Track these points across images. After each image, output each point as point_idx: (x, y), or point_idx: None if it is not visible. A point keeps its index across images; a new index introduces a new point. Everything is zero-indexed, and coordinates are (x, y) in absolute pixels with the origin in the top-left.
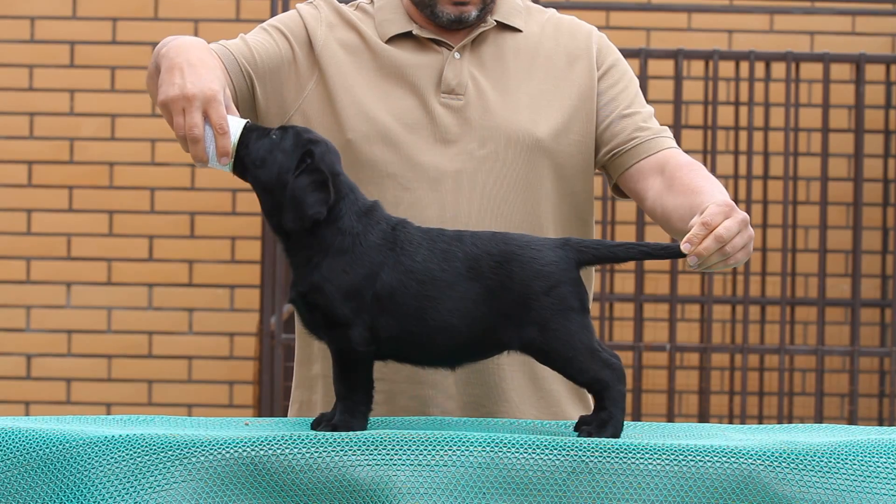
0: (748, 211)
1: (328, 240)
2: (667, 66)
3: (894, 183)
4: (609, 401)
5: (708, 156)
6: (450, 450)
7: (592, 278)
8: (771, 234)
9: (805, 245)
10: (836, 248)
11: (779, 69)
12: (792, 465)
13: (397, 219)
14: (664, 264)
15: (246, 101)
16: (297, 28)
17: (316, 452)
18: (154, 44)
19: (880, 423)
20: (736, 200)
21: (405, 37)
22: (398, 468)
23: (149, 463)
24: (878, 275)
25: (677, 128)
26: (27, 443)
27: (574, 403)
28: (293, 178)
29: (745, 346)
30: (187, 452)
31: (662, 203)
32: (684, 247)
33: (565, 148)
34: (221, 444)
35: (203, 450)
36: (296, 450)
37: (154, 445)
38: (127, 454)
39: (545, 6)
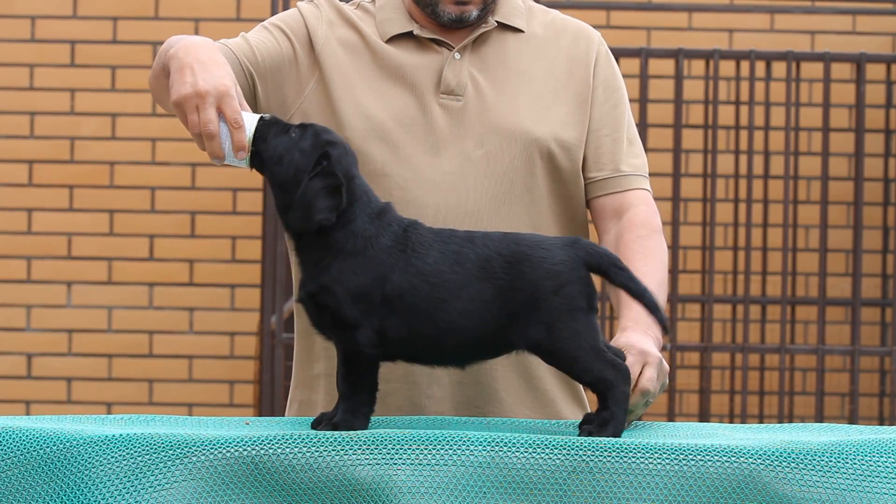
0: (749, 211)
1: (340, 241)
2: (667, 66)
3: (895, 182)
4: (612, 400)
5: (709, 155)
6: (450, 449)
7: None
8: (771, 234)
9: (806, 244)
10: (836, 248)
11: (779, 68)
12: (792, 464)
13: (409, 220)
14: None
15: (248, 100)
16: (298, 27)
17: (317, 452)
18: (155, 43)
19: (881, 423)
20: (736, 199)
21: (406, 37)
22: (399, 467)
23: (149, 462)
24: (879, 274)
25: (678, 127)
26: (27, 442)
27: (568, 403)
28: (307, 179)
29: (745, 346)
30: (188, 452)
31: None
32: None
33: (562, 151)
34: (222, 444)
35: (203, 449)
36: (296, 449)
37: (154, 445)
38: (127, 453)
39: (548, 6)
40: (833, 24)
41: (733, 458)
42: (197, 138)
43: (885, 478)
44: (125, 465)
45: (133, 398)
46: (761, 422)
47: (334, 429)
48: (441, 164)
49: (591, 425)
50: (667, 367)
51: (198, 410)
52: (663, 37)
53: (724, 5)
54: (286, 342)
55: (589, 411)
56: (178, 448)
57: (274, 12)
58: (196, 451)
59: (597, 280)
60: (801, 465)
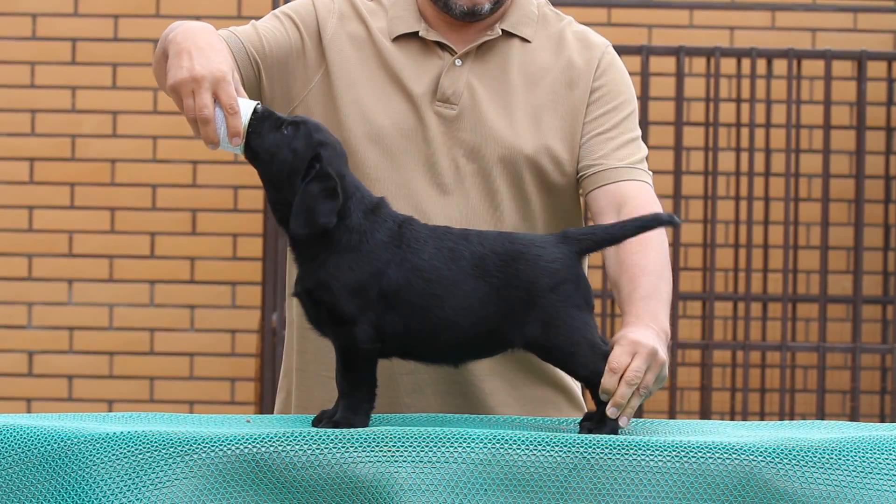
0: (750, 208)
1: (336, 237)
2: (668, 63)
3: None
4: None
5: (710, 153)
6: (451, 446)
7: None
8: (773, 231)
9: (807, 242)
10: (837, 245)
11: (780, 66)
12: (793, 461)
13: (404, 216)
14: None
15: (252, 89)
16: (308, 17)
17: (317, 449)
18: (156, 41)
19: (882, 420)
20: (738, 197)
21: (411, 37)
22: (400, 465)
23: (150, 460)
24: (880, 271)
25: (679, 125)
26: (28, 440)
27: (557, 407)
28: (304, 184)
29: (746, 343)
30: (188, 449)
31: (608, 263)
32: (610, 411)
33: (555, 167)
34: (223, 441)
35: (204, 447)
36: (297, 446)
37: (155, 442)
38: (128, 451)
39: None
40: (834, 21)
41: (734, 455)
42: (192, 123)
43: (886, 474)
44: (126, 463)
45: (134, 396)
46: (762, 419)
47: (335, 426)
48: (433, 174)
49: (590, 422)
50: (663, 357)
51: (199, 408)
52: (664, 34)
53: (726, 3)
54: None
55: (586, 410)
56: (179, 446)
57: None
58: (197, 448)
59: (596, 279)
60: (801, 462)
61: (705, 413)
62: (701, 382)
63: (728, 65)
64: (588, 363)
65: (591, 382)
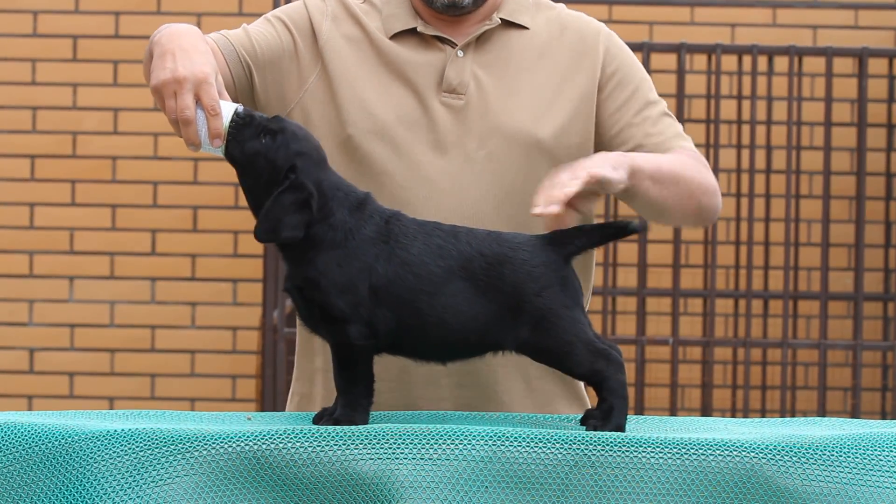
0: (751, 205)
1: (320, 235)
2: (670, 60)
3: None
4: (608, 391)
5: (711, 149)
6: (452, 444)
7: (592, 272)
8: (774, 228)
9: (808, 239)
10: (838, 242)
11: (781, 63)
12: (795, 458)
13: (391, 211)
14: (667, 259)
15: (245, 92)
16: (301, 20)
17: (318, 446)
18: None
19: (883, 417)
20: (739, 194)
21: (409, 33)
22: (401, 462)
23: (151, 457)
24: (881, 269)
25: (680, 121)
26: (29, 437)
27: (568, 402)
28: (276, 193)
29: (747, 340)
30: (189, 447)
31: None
32: (537, 210)
33: (565, 150)
34: (224, 439)
35: (205, 444)
36: (298, 444)
37: (156, 440)
38: (129, 448)
39: (553, 0)
40: (835, 18)
41: (735, 453)
42: (174, 124)
43: (887, 471)
44: (127, 461)
45: (135, 393)
46: (763, 416)
47: (335, 424)
48: (442, 164)
49: (594, 420)
50: (617, 157)
51: (200, 405)
52: (665, 31)
53: (727, 0)
54: (288, 337)
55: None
56: (180, 443)
57: (276, 6)
58: (198, 446)
59: (600, 274)
60: (802, 459)
61: (706, 410)
62: (702, 379)
63: (729, 62)
64: (584, 361)
65: (590, 380)
